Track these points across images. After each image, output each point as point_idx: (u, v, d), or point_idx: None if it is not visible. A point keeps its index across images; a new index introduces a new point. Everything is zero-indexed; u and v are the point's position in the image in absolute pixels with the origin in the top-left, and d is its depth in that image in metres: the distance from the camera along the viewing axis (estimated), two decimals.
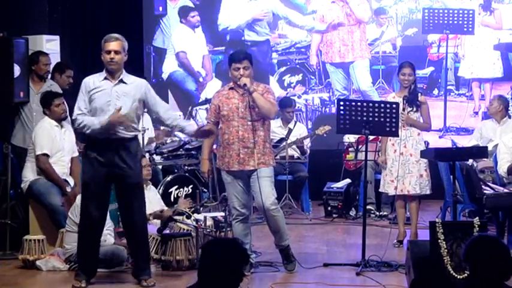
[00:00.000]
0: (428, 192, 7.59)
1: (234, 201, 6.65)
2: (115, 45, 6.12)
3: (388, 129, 6.89)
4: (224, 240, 3.77)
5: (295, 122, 9.87)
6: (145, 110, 8.64)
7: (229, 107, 6.59)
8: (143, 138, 8.57)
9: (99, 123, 6.05)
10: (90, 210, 6.15)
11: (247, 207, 6.71)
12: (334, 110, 10.63)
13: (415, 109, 7.54)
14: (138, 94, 6.19)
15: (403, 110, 7.42)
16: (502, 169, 7.56)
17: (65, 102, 7.62)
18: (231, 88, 6.65)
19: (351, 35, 10.77)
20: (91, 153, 6.14)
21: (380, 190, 7.91)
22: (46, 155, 7.37)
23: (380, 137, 7.96)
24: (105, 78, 6.15)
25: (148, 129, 8.91)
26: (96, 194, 6.15)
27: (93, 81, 6.17)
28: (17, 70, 7.54)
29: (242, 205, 6.65)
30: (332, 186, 9.62)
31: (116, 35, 6.20)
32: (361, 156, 9.22)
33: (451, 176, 6.99)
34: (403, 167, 7.50)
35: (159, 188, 8.31)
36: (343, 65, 10.86)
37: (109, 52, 6.10)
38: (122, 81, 6.16)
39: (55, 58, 8.56)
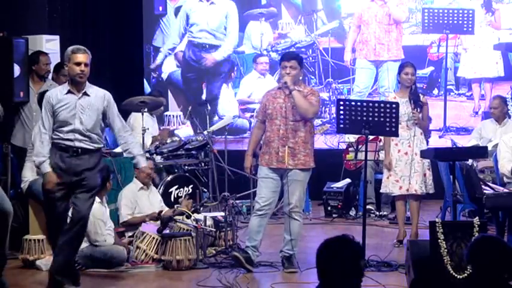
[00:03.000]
0: (432, 191, 7.62)
1: (260, 196, 6.78)
2: (85, 57, 6.03)
3: (388, 129, 6.88)
4: (337, 238, 3.80)
5: None
6: (145, 109, 8.71)
7: (274, 106, 6.77)
8: (143, 138, 8.57)
9: (40, 166, 6.08)
10: (53, 213, 6.12)
11: (270, 206, 6.79)
12: (333, 109, 10.66)
13: (418, 110, 7.56)
14: (100, 106, 6.12)
15: (414, 109, 7.44)
16: (506, 168, 7.51)
17: None
18: (280, 88, 6.82)
19: (388, 35, 10.78)
20: (53, 159, 6.07)
21: (382, 191, 7.90)
22: None
23: (382, 138, 7.95)
24: (69, 92, 6.07)
25: (148, 129, 8.90)
26: (53, 197, 6.07)
27: (56, 95, 6.09)
28: (17, 70, 7.54)
29: (266, 201, 6.75)
30: (332, 186, 9.62)
31: (83, 47, 6.12)
32: (361, 156, 9.22)
33: (451, 176, 6.98)
34: (408, 166, 7.50)
35: (159, 188, 8.31)
36: (376, 63, 10.86)
37: (79, 64, 6.00)
38: (85, 93, 6.09)
39: (55, 58, 8.56)
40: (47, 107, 6.11)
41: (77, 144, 6.05)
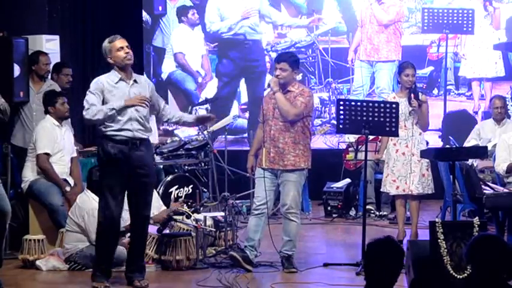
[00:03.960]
0: (430, 191, 7.60)
1: (256, 196, 6.83)
2: (124, 41, 6.15)
3: (388, 129, 6.89)
4: (384, 239, 4.02)
5: None
6: None
7: (268, 107, 6.81)
8: None
9: (118, 106, 5.98)
10: (111, 211, 6.10)
11: (265, 205, 6.78)
12: (333, 109, 10.66)
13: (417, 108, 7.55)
14: (148, 93, 6.21)
15: (414, 99, 7.43)
16: (501, 167, 7.55)
17: (66, 102, 7.62)
18: None
19: (378, 35, 10.79)
20: (111, 155, 6.05)
21: (382, 190, 7.90)
22: (47, 155, 7.38)
23: (380, 137, 7.96)
24: (121, 80, 6.11)
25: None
26: (118, 196, 6.11)
27: (108, 83, 6.10)
28: (17, 70, 7.54)
29: (262, 201, 6.75)
30: (332, 186, 9.62)
31: (117, 35, 6.21)
32: (361, 156, 9.22)
33: (451, 176, 6.99)
34: (405, 166, 7.50)
35: (159, 188, 8.31)
36: (368, 63, 10.87)
37: (122, 48, 6.10)
38: (135, 81, 6.18)
39: (55, 58, 8.55)
40: (96, 90, 6.06)
41: (136, 134, 6.07)
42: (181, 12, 11.17)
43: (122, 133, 6.06)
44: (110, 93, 6.07)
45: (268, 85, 6.78)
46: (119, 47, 6.10)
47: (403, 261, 4.00)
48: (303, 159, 6.79)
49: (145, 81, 6.34)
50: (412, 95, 7.47)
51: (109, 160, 6.08)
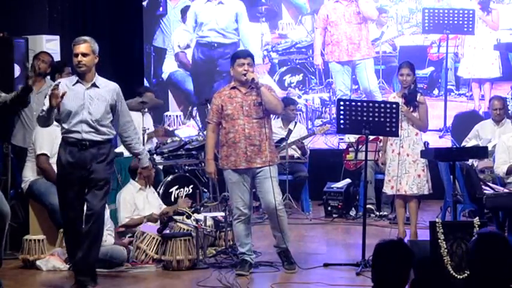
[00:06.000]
0: (426, 192, 7.58)
1: (238, 202, 6.65)
2: (83, 47, 6.03)
3: (388, 129, 6.89)
4: (393, 241, 4.10)
5: (295, 123, 9.88)
6: (146, 110, 8.72)
7: (233, 105, 6.60)
8: (144, 137, 8.58)
9: (46, 107, 5.94)
10: (64, 214, 6.07)
11: (249, 208, 6.72)
12: (334, 110, 10.66)
13: (412, 109, 7.54)
14: (109, 97, 6.07)
15: (405, 105, 7.43)
16: (501, 169, 7.55)
17: None
18: (233, 87, 6.67)
19: (359, 33, 10.78)
20: (62, 155, 6.04)
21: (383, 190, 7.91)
22: (46, 155, 7.38)
23: (381, 138, 7.97)
24: (78, 82, 6.05)
25: (148, 129, 8.92)
26: (73, 201, 6.03)
27: (66, 85, 6.04)
28: (17, 70, 7.54)
29: (245, 205, 6.65)
30: (332, 186, 9.62)
31: (85, 37, 6.13)
32: (361, 156, 9.23)
33: (451, 176, 6.99)
34: (400, 167, 7.50)
35: (160, 188, 8.31)
36: (351, 64, 10.87)
37: (76, 55, 6.03)
38: (94, 84, 6.06)
39: (55, 58, 8.55)
40: None
41: (85, 136, 5.99)
42: (185, 12, 11.19)
43: (72, 135, 6.01)
44: (66, 96, 5.95)
45: (253, 80, 6.49)
46: (75, 52, 6.04)
47: (411, 263, 3.94)
48: (276, 154, 6.79)
49: (112, 87, 6.09)
50: (403, 100, 7.45)
51: (60, 162, 6.06)
